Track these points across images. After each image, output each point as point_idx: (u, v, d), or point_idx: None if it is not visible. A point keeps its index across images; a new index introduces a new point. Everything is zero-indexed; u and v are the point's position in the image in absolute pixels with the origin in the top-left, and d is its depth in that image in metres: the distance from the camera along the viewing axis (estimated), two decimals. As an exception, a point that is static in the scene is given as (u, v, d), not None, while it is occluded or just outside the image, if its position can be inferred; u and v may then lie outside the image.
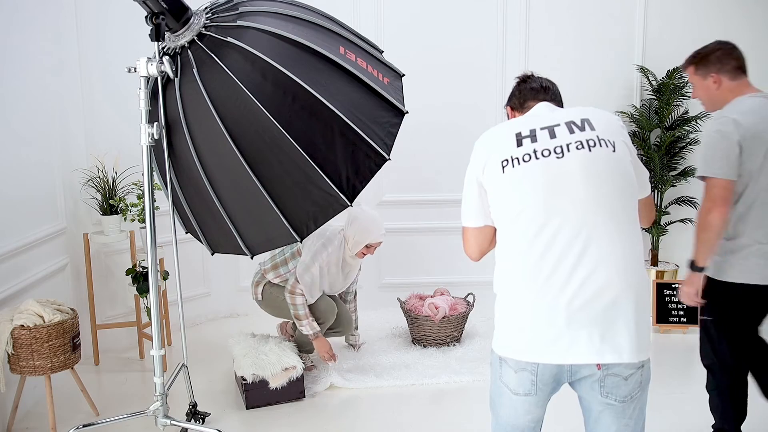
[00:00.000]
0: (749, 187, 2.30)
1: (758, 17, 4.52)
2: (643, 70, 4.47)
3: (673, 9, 4.50)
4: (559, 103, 1.91)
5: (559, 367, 1.63)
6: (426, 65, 4.33)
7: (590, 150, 1.64)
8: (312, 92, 2.29)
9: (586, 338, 1.58)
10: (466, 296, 4.04)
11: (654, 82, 4.45)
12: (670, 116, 4.46)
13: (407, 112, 2.59)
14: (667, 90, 4.37)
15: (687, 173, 4.48)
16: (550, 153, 1.65)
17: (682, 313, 4.18)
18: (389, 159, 2.46)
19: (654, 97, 4.47)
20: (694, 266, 2.38)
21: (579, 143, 1.65)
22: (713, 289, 2.40)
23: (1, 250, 2.99)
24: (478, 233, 1.79)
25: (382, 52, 2.82)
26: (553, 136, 1.68)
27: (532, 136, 1.69)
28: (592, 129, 1.68)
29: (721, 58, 2.41)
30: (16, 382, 2.93)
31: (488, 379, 1.80)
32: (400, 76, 2.74)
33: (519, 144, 1.69)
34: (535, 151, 1.66)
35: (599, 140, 1.66)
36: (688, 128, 4.46)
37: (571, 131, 1.68)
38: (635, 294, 1.60)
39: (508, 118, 1.95)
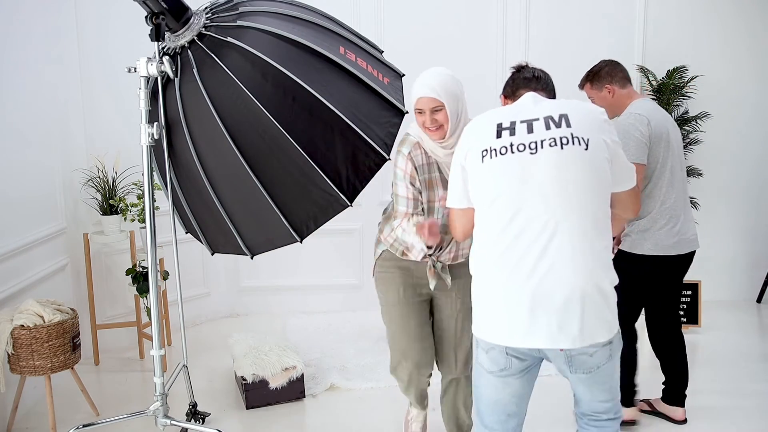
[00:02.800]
0: (653, 175, 2.72)
1: (756, 17, 4.52)
2: (643, 70, 4.47)
3: (673, 9, 4.51)
4: (551, 92, 2.01)
5: (522, 349, 1.76)
6: (426, 65, 4.31)
7: (562, 147, 1.72)
8: (312, 92, 2.29)
9: (545, 326, 1.69)
10: (466, 296, 4.04)
11: (654, 82, 4.45)
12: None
13: (407, 112, 2.59)
14: (667, 90, 4.37)
15: (687, 173, 4.47)
16: (525, 148, 1.74)
17: (682, 313, 4.18)
18: (389, 159, 2.45)
19: (654, 97, 4.47)
20: None
21: (552, 140, 1.73)
22: (626, 260, 2.76)
23: (1, 250, 2.99)
24: (462, 214, 1.92)
25: (382, 52, 2.82)
26: (530, 130, 1.76)
27: (511, 129, 1.78)
28: (568, 126, 1.75)
29: (610, 72, 2.84)
30: (16, 382, 2.93)
31: None
32: (400, 76, 2.74)
33: (498, 135, 1.78)
34: (511, 145, 1.75)
35: (572, 138, 1.73)
36: (689, 128, 4.46)
37: (548, 127, 1.75)
38: (593, 287, 1.70)
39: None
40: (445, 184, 2.30)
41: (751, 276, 4.79)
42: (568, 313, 1.68)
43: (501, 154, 1.75)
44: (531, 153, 1.73)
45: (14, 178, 3.15)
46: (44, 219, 3.44)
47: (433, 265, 2.40)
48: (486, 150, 1.78)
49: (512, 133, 1.77)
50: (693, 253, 2.82)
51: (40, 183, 3.42)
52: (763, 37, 4.53)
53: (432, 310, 2.56)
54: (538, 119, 1.78)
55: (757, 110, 4.62)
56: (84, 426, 2.76)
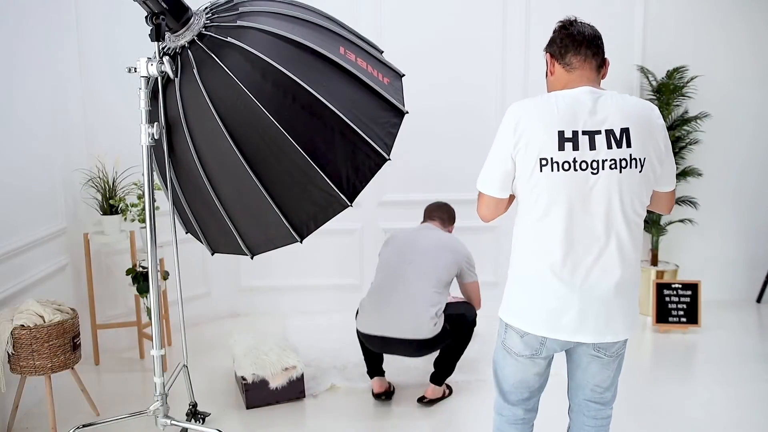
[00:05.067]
0: None
1: (756, 17, 4.53)
2: (643, 70, 4.47)
3: (673, 9, 4.51)
4: (602, 58, 1.97)
5: (567, 342, 1.94)
6: (425, 65, 4.33)
7: (621, 171, 1.82)
8: (312, 92, 2.29)
9: (593, 323, 1.89)
10: (466, 296, 4.03)
11: (654, 82, 4.45)
12: (670, 116, 4.47)
13: (407, 112, 2.59)
14: (667, 90, 4.38)
15: (687, 173, 4.48)
16: (587, 167, 1.82)
17: (681, 313, 4.19)
18: (389, 159, 2.46)
19: (654, 97, 4.47)
20: None
21: (613, 162, 1.82)
22: None
23: (1, 250, 2.99)
24: (498, 202, 1.97)
25: (382, 52, 2.83)
26: (592, 147, 1.81)
27: (574, 142, 1.81)
28: (629, 146, 1.82)
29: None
30: (17, 382, 2.93)
31: (489, 377, 1.93)
32: (400, 76, 2.74)
33: (561, 147, 1.81)
34: (574, 161, 1.81)
35: (630, 160, 1.83)
36: (688, 128, 4.47)
37: (609, 146, 1.82)
38: (631, 291, 1.92)
39: (547, 65, 2.01)
40: None
41: (750, 276, 4.79)
42: (612, 313, 1.89)
43: (564, 169, 1.81)
44: (593, 173, 1.82)
45: (14, 178, 3.15)
46: (44, 219, 3.44)
47: None
48: (546, 160, 1.82)
49: (575, 147, 1.81)
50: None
51: (40, 183, 3.42)
52: (763, 37, 4.53)
53: None
54: (600, 132, 1.82)
55: (757, 110, 4.62)
56: (84, 426, 2.76)
